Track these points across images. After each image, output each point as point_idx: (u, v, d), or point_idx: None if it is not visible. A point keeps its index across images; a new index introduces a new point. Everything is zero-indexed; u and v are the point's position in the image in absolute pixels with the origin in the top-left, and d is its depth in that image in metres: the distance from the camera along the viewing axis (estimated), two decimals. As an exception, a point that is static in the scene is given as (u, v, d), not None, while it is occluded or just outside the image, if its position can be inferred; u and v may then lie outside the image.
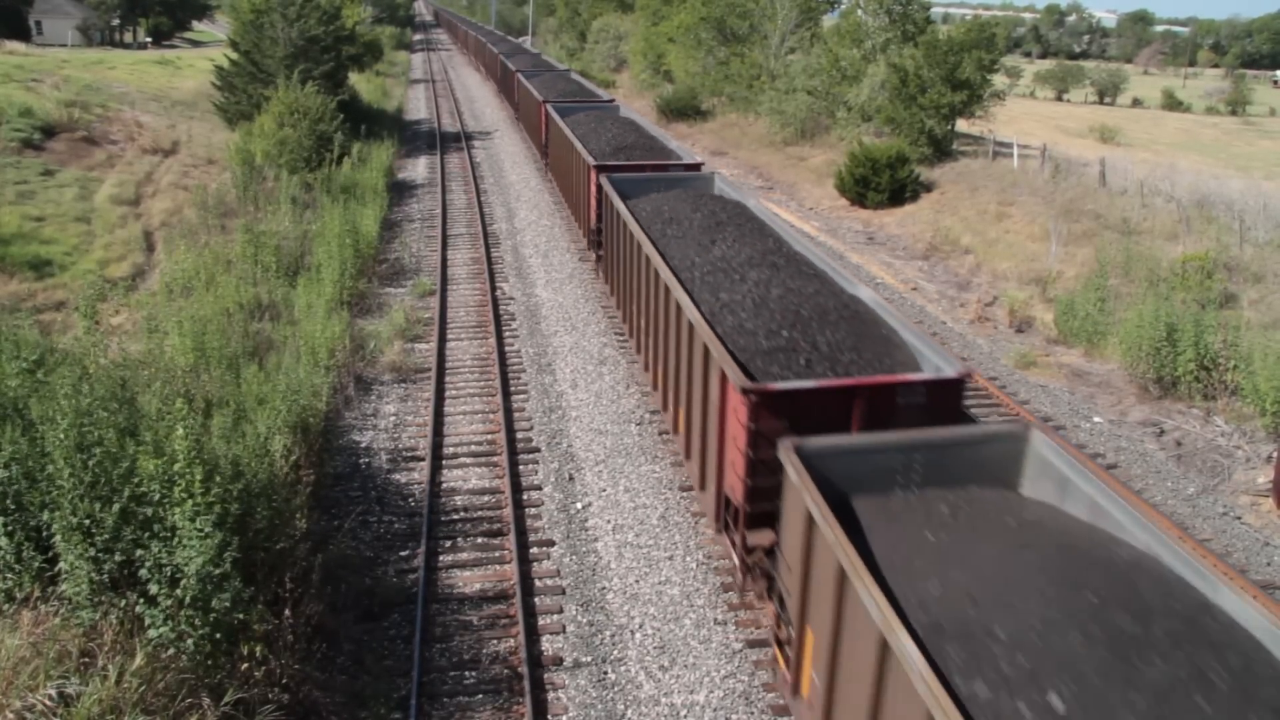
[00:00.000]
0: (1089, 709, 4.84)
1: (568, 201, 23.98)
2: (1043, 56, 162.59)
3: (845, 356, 9.41)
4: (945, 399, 8.74)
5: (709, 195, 15.60)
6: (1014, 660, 5.20)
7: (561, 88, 33.34)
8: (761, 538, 8.81)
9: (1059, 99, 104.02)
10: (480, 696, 8.44)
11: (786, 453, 7.23)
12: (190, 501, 7.04)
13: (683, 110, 43.00)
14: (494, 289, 19.34)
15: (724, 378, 9.10)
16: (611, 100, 30.48)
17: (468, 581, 10.07)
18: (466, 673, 8.75)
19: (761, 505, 8.58)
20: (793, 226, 17.12)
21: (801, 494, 6.86)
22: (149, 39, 75.19)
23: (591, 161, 18.84)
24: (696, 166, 18.66)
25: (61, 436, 7.20)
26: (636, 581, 10.16)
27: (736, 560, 9.32)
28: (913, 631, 5.47)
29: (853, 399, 8.58)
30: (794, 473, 7.04)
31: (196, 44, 73.25)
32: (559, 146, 24.76)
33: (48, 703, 6.18)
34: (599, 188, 17.26)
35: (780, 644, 7.93)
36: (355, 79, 44.10)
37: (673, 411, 11.86)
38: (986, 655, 5.30)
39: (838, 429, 8.32)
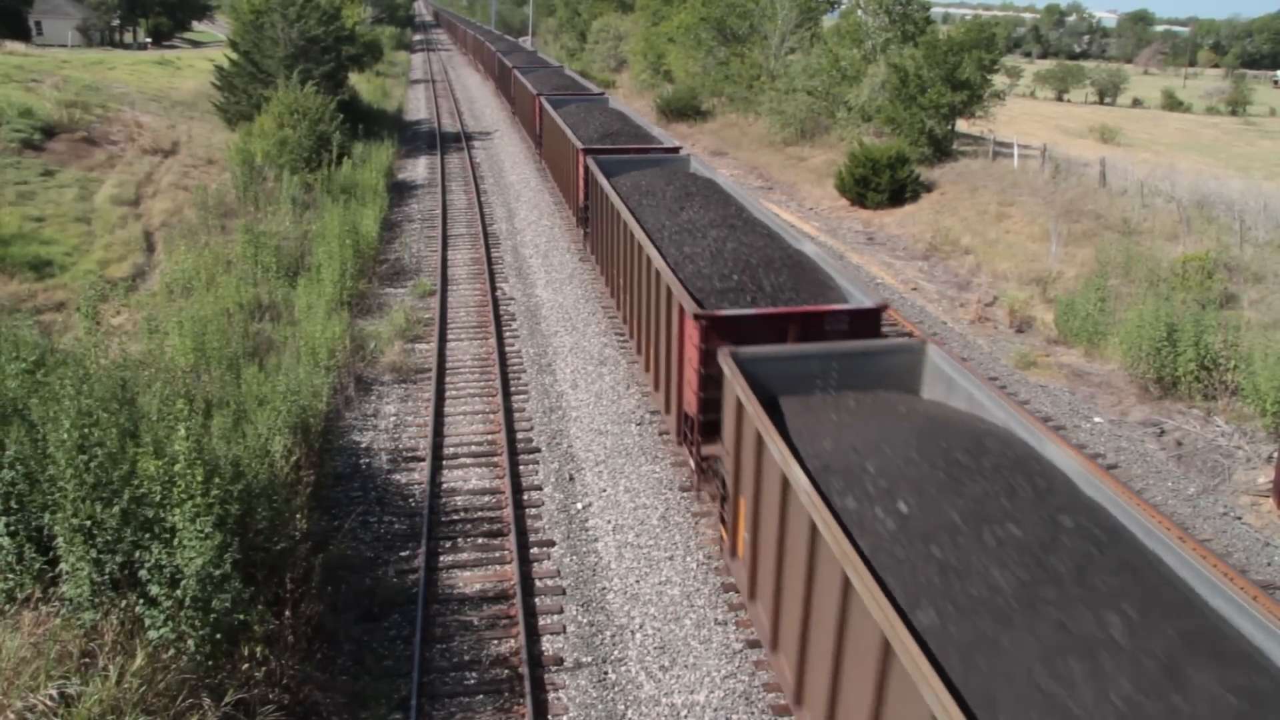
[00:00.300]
0: (925, 510, 6.55)
1: (559, 184, 25.52)
2: (1043, 56, 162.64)
3: (785, 295, 11.15)
4: (865, 327, 10.39)
5: (684, 173, 17.10)
6: (877, 484, 6.93)
7: (555, 82, 35.31)
8: (712, 449, 10.44)
9: (1059, 99, 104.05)
10: (480, 697, 8.44)
11: (724, 357, 8.86)
12: (190, 502, 7.04)
13: (683, 110, 43.00)
14: (494, 289, 19.34)
15: (682, 311, 10.79)
16: (601, 93, 32.30)
17: (468, 582, 10.07)
18: (467, 673, 8.75)
19: (711, 415, 10.18)
20: (794, 228, 17.00)
21: (734, 386, 8.51)
22: (149, 39, 75.20)
23: (579, 145, 20.30)
24: (675, 149, 20.16)
25: (64, 437, 7.20)
26: (637, 582, 10.16)
27: (693, 464, 11.10)
28: (807, 472, 7.03)
29: (787, 324, 10.28)
30: (729, 371, 8.68)
31: (196, 44, 73.26)
32: (551, 135, 26.22)
33: (49, 703, 6.18)
34: (586, 169, 18.78)
35: (723, 520, 9.58)
36: (355, 79, 44.12)
37: (645, 353, 13.62)
38: (858, 482, 7.05)
39: (787, 361, 9.39)
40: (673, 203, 14.78)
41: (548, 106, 26.70)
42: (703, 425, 10.54)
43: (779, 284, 11.36)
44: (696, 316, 10.28)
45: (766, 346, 9.22)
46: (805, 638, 7.08)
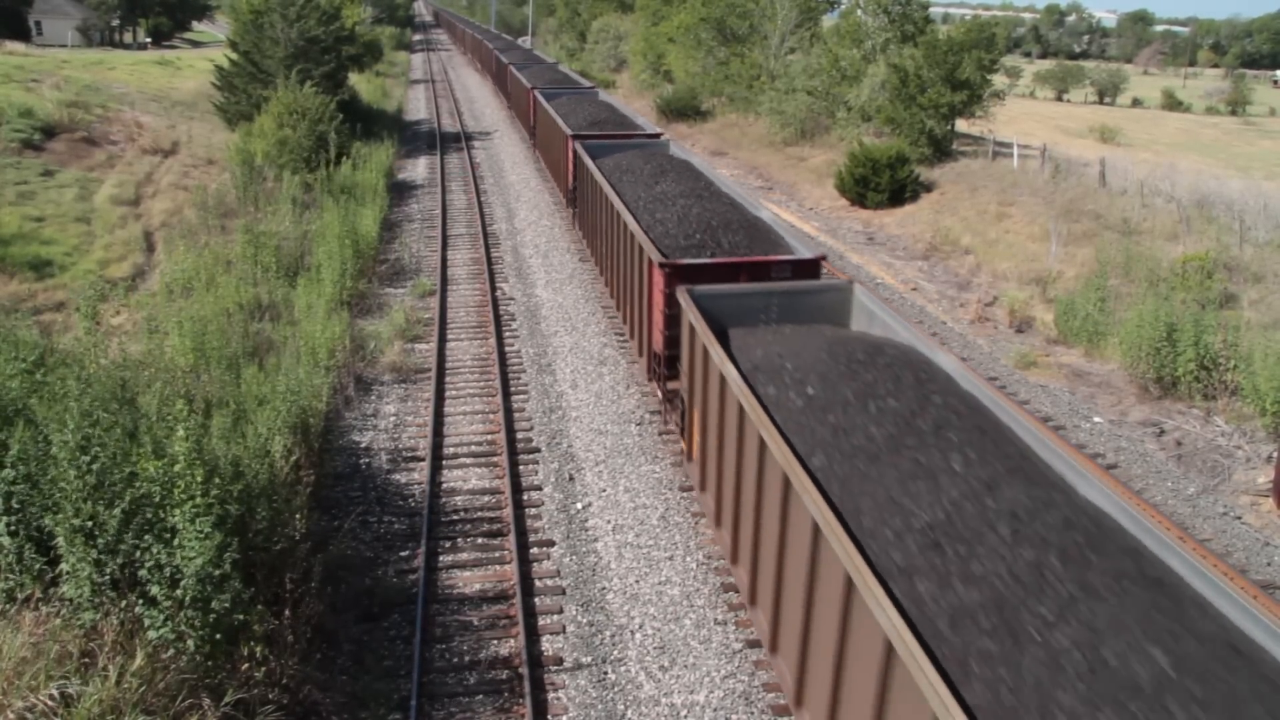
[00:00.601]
0: (826, 391, 8.42)
1: (550, 169, 27.58)
2: (1043, 56, 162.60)
3: (740, 250, 13.16)
4: (806, 274, 12.24)
5: (662, 155, 18.93)
6: (793, 377, 8.81)
7: (548, 76, 37.59)
8: (675, 385, 12.07)
9: (1059, 99, 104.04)
10: (480, 697, 8.44)
11: (682, 293, 10.61)
12: (190, 503, 7.04)
13: (682, 110, 43.00)
14: (494, 289, 19.35)
15: (650, 262, 12.65)
16: (592, 87, 34.55)
17: (468, 582, 10.07)
18: (466, 673, 8.75)
19: (674, 352, 12.00)
20: (792, 226, 17.40)
21: (688, 315, 10.28)
22: (149, 39, 75.21)
23: (568, 132, 22.11)
24: (656, 135, 22.32)
25: (67, 438, 7.20)
26: (636, 582, 10.16)
27: (660, 395, 13.24)
28: (741, 372, 8.85)
29: (739, 271, 12.13)
30: (685, 304, 10.41)
31: (196, 44, 73.27)
32: (544, 125, 28.27)
33: (49, 702, 6.18)
34: (574, 153, 20.46)
35: (682, 433, 11.55)
36: (355, 79, 44.12)
37: (621, 305, 15.81)
38: (778, 376, 8.95)
39: (733, 298, 10.97)
40: (649, 179, 16.62)
41: (540, 99, 28.55)
42: (667, 360, 12.49)
43: (735, 242, 13.39)
44: (661, 265, 12.24)
45: (717, 285, 10.98)
46: (738, 500, 9.05)
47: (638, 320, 14.18)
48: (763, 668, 8.83)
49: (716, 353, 9.18)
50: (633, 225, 13.82)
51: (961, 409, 7.97)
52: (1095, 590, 5.53)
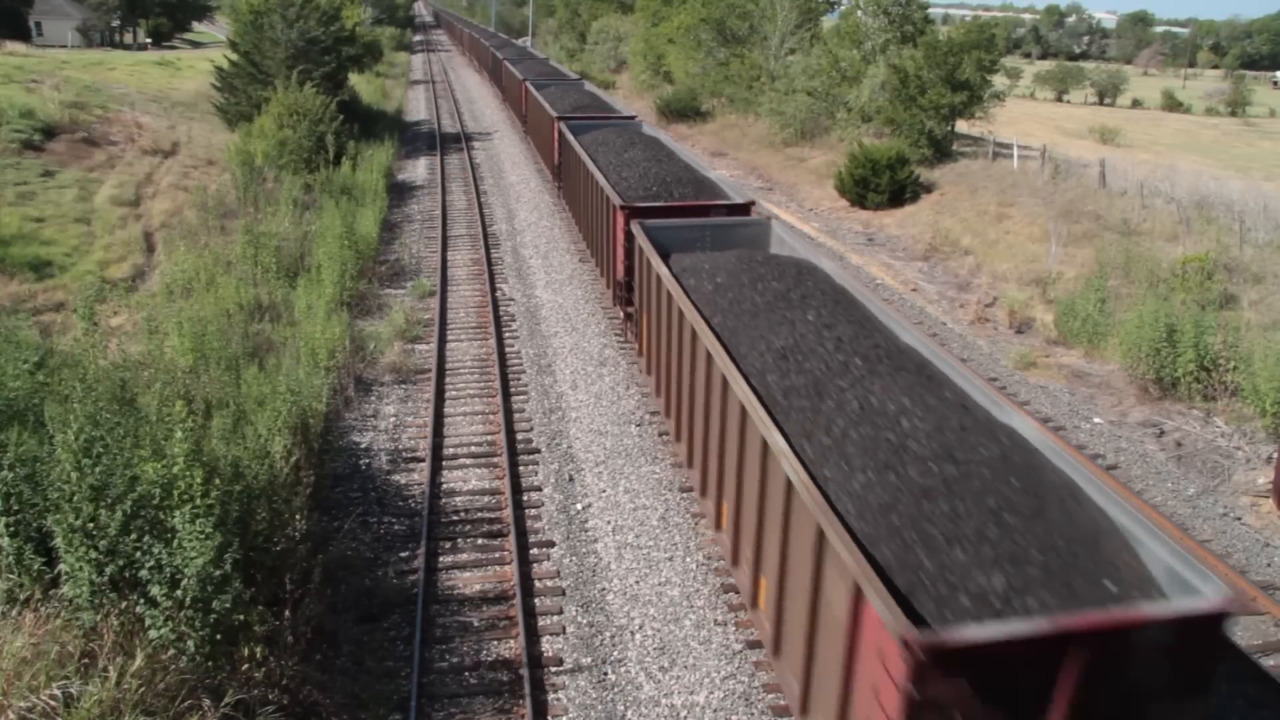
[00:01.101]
0: (729, 280, 11.06)
1: (539, 151, 30.51)
2: (1042, 57, 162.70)
3: (687, 199, 16.14)
4: (738, 215, 14.88)
5: (634, 132, 22.15)
6: (709, 273, 11.42)
7: (539, 70, 42.01)
8: (631, 308, 14.97)
9: (1059, 100, 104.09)
10: (480, 698, 8.44)
11: (635, 225, 13.46)
12: (190, 505, 7.03)
13: (682, 111, 43.01)
14: (494, 290, 19.35)
15: (614, 207, 15.46)
16: (578, 79, 38.55)
17: (468, 582, 10.07)
18: (466, 674, 8.75)
19: (631, 279, 14.61)
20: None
21: (638, 239, 13.10)
22: (149, 40, 75.23)
23: (553, 114, 25.27)
24: (630, 117, 26.03)
25: (71, 439, 7.19)
26: (636, 582, 10.16)
27: (623, 315, 16.24)
28: (673, 274, 11.50)
29: (684, 213, 14.77)
30: (638, 233, 13.16)
31: (196, 45, 73.30)
32: (533, 111, 31.21)
33: (50, 703, 6.18)
34: (560, 134, 23.62)
35: (638, 339, 14.15)
36: (355, 80, 44.13)
37: (592, 246, 19.00)
38: (698, 273, 11.56)
39: (675, 230, 13.57)
40: (619, 149, 19.45)
41: (531, 89, 31.52)
42: (625, 285, 15.32)
43: (684, 192, 16.53)
44: (621, 207, 15.11)
45: (663, 219, 13.88)
46: (669, 372, 11.74)
47: (604, 256, 17.29)
48: (763, 669, 8.83)
49: (656, 262, 11.92)
50: (602, 182, 16.68)
51: (825, 290, 10.68)
52: (879, 374, 8.37)
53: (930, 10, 35.21)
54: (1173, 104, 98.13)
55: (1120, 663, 5.58)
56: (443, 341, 16.60)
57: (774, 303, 10.32)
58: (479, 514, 11.40)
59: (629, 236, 14.42)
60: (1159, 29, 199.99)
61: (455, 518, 11.30)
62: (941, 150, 30.34)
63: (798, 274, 11.14)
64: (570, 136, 21.51)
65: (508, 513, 11.26)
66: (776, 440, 7.64)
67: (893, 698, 5.48)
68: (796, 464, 7.18)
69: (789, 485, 7.22)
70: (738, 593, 9.67)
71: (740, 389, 8.56)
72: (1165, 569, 6.16)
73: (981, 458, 6.89)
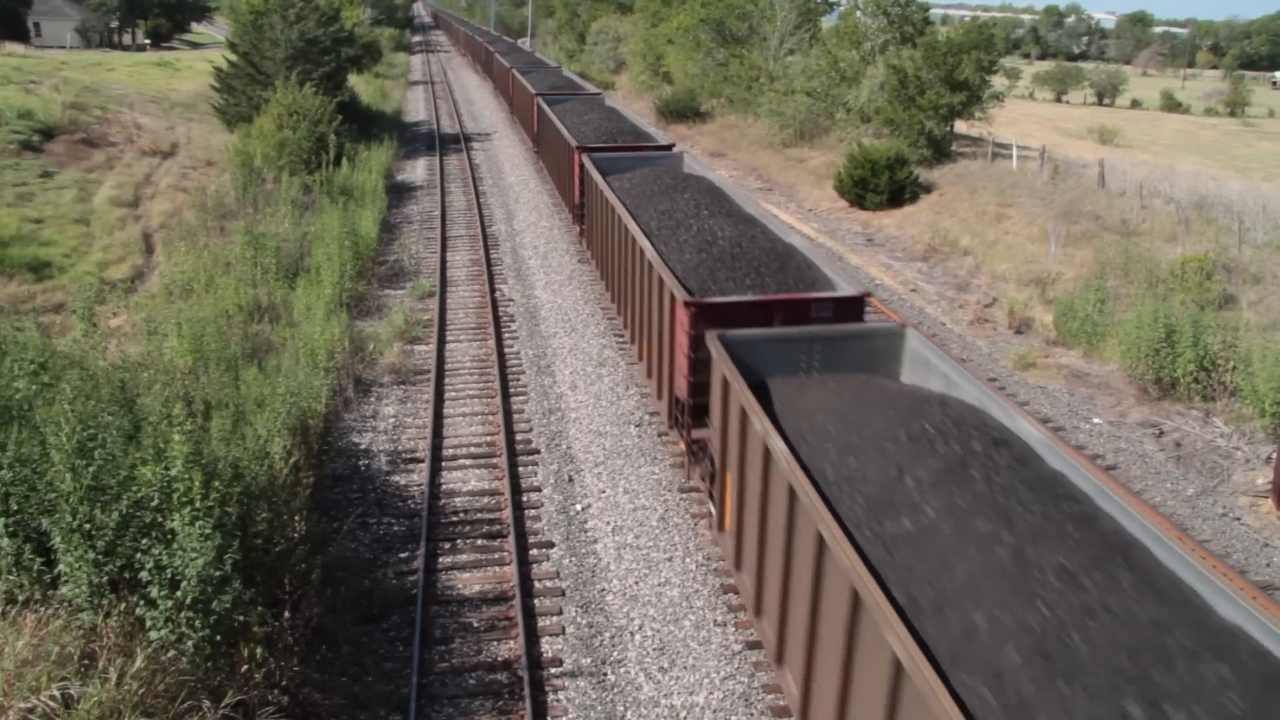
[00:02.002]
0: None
1: (523, 125, 35.69)
2: (1041, 58, 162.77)
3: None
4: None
5: (600, 105, 27.45)
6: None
7: (524, 59, 49.57)
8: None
9: (1058, 100, 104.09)
10: (480, 699, 8.44)
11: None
12: (189, 507, 7.03)
13: (682, 112, 43.01)
14: (493, 291, 19.34)
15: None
16: (558, 66, 45.94)
17: (467, 583, 10.07)
18: (466, 675, 8.75)
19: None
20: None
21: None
22: (147, 41, 75.18)
23: (533, 91, 30.78)
24: (597, 94, 31.50)
25: (64, 440, 7.20)
26: (636, 583, 10.16)
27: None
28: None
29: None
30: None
31: (195, 46, 73.30)
32: (518, 93, 36.89)
33: (51, 703, 6.18)
34: (539, 108, 28.35)
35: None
36: (354, 80, 44.13)
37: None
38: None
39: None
40: (582, 113, 22.59)
41: (517, 75, 36.94)
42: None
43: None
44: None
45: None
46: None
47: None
48: (762, 669, 8.84)
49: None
50: (651, 254, 12.50)
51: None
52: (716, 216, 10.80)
53: (929, 11, 35.20)
54: (1172, 104, 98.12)
55: (803, 320, 10.43)
56: (442, 342, 16.60)
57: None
58: (478, 515, 11.40)
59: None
60: (1158, 29, 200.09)
61: (455, 518, 11.30)
62: (940, 151, 30.34)
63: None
64: (547, 109, 24.09)
65: (507, 513, 11.26)
66: (652, 253, 10.70)
67: (684, 335, 10.70)
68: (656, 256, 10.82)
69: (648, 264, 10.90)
70: (737, 593, 9.67)
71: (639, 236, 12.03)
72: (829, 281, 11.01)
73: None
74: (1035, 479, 6.98)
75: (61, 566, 7.12)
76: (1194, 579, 6.00)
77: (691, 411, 11.16)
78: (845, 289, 11.34)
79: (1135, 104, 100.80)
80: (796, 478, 7.08)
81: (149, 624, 6.96)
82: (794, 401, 8.80)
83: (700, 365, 10.47)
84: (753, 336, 9.69)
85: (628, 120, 25.40)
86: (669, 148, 20.84)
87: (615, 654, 9.10)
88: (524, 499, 11.76)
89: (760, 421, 7.98)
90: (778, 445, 7.57)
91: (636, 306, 14.09)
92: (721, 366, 9.14)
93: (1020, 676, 5.28)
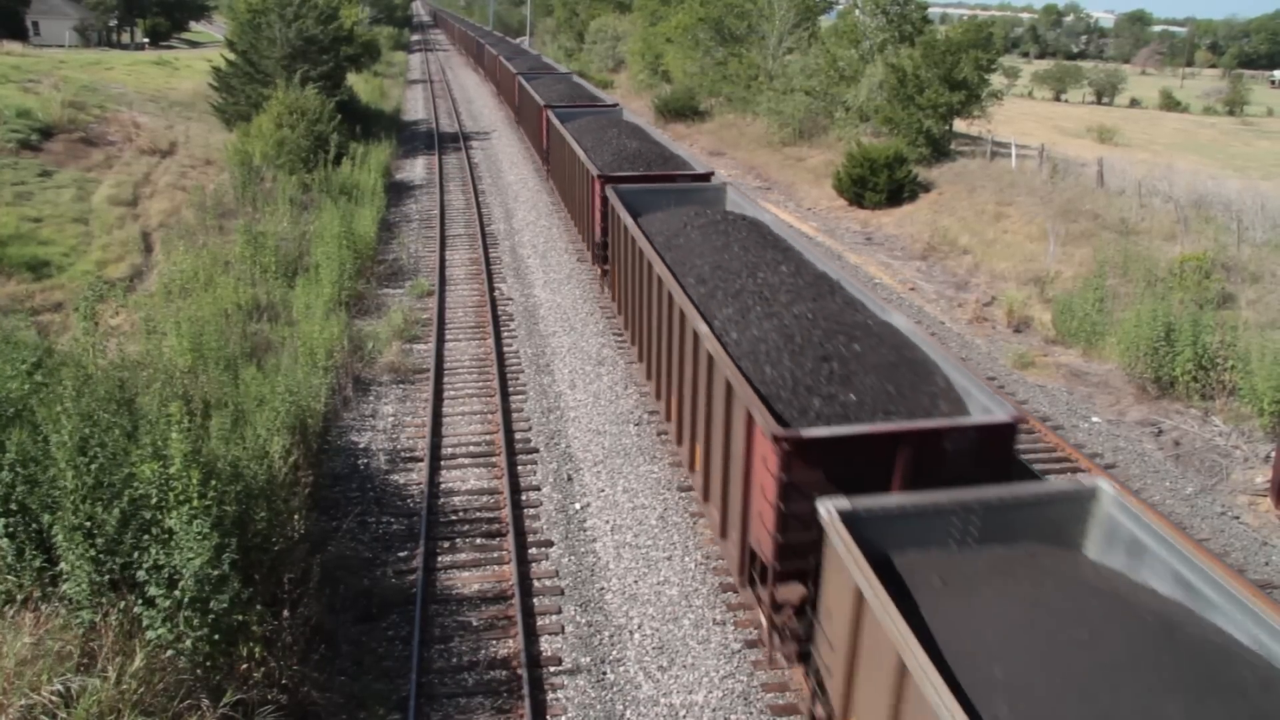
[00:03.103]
0: None
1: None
2: (1040, 57, 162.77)
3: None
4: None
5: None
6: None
7: (530, 63, 47.25)
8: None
9: (1057, 99, 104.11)
10: (479, 697, 8.44)
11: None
12: (187, 505, 7.03)
13: (680, 111, 43.00)
14: (492, 290, 19.34)
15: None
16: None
17: (466, 582, 10.07)
18: (465, 674, 8.75)
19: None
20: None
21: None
22: (146, 40, 75.14)
23: (514, 71, 35.07)
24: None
25: (65, 439, 7.19)
26: (635, 582, 10.16)
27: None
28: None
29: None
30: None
31: (194, 45, 73.22)
32: (525, 102, 34.40)
33: (53, 699, 6.18)
34: (548, 122, 26.20)
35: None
36: (353, 79, 44.09)
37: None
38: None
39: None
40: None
41: (524, 83, 35.79)
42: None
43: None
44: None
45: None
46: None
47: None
48: (761, 668, 8.84)
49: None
50: (582, 156, 16.49)
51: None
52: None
53: (928, 9, 35.20)
54: (1170, 103, 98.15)
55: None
56: (441, 341, 16.60)
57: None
58: (477, 514, 11.40)
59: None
60: (1157, 28, 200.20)
61: (454, 517, 11.30)
62: (939, 149, 30.34)
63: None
64: (558, 124, 23.62)
65: (506, 512, 11.26)
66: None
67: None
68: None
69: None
70: (737, 592, 9.68)
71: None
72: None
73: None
74: (754, 230, 12.76)
75: (62, 564, 7.12)
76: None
77: (602, 247, 15.30)
78: (700, 170, 12.16)
79: (1134, 103, 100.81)
80: (637, 233, 10.35)
81: (146, 623, 6.96)
82: (652, 218, 10.64)
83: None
84: (633, 188, 10.50)
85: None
86: (707, 177, 17.46)
87: (614, 653, 9.11)
88: (523, 498, 11.76)
89: (625, 217, 10.55)
90: (630, 222, 12.49)
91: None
92: (613, 203, 10.00)
93: None
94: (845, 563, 6.18)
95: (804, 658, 7.65)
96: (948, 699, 4.92)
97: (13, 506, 7.36)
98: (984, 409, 8.12)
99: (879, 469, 7.62)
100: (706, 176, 17.49)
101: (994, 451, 7.82)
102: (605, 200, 15.85)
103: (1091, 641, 5.38)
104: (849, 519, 6.42)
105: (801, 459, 7.49)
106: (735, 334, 9.69)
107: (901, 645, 5.39)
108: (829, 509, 6.55)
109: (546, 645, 9.19)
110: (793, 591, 7.83)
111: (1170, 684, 5.00)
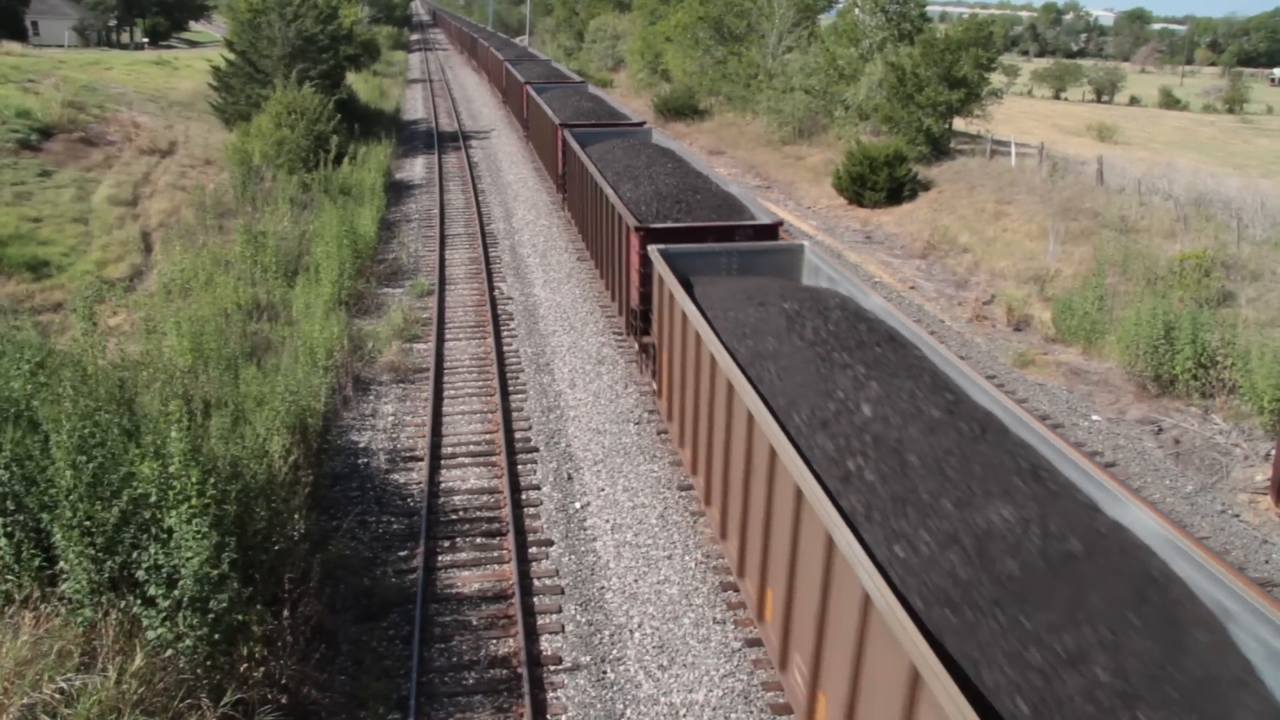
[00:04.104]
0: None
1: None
2: (1040, 55, 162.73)
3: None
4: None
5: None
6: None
7: (517, 53, 55.57)
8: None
9: (1056, 97, 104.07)
10: (479, 697, 8.45)
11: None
12: (187, 504, 7.03)
13: (680, 110, 42.99)
14: (492, 289, 19.34)
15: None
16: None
17: (466, 581, 10.07)
18: (465, 673, 8.75)
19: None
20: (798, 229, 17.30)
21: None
22: (146, 39, 75.12)
23: (522, 80, 34.76)
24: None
25: (64, 438, 7.19)
26: (635, 581, 10.17)
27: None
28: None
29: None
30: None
31: (193, 44, 73.20)
32: (510, 82, 40.70)
33: (53, 698, 6.18)
34: (528, 95, 31.74)
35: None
36: (352, 79, 44.09)
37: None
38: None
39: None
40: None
41: (510, 68, 41.55)
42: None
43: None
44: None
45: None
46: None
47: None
48: (761, 667, 8.84)
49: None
50: (611, 197, 15.56)
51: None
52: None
53: (927, 8, 35.18)
54: (1170, 101, 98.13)
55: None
56: (441, 340, 16.60)
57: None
58: (478, 513, 11.40)
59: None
60: (1156, 26, 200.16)
61: (454, 516, 11.30)
62: (939, 148, 30.33)
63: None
64: (536, 97, 29.92)
65: (506, 511, 11.27)
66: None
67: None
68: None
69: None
70: (737, 591, 9.68)
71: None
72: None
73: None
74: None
75: (62, 564, 7.12)
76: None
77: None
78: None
79: (1134, 101, 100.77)
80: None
81: (146, 623, 6.95)
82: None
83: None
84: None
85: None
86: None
87: (614, 652, 9.11)
88: (523, 497, 11.76)
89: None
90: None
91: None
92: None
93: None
94: (664, 277, 11.50)
95: (653, 363, 13.25)
96: (707, 334, 9.61)
97: (10, 506, 7.35)
98: (761, 219, 14.17)
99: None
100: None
101: (767, 238, 13.61)
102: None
103: (799, 309, 9.82)
104: (666, 255, 11.91)
105: (650, 239, 12.90)
106: (624, 192, 16.20)
107: (690, 313, 10.16)
108: (655, 251, 12.02)
109: (547, 644, 9.19)
110: (649, 339, 13.43)
111: (838, 321, 9.55)
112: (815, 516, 6.55)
